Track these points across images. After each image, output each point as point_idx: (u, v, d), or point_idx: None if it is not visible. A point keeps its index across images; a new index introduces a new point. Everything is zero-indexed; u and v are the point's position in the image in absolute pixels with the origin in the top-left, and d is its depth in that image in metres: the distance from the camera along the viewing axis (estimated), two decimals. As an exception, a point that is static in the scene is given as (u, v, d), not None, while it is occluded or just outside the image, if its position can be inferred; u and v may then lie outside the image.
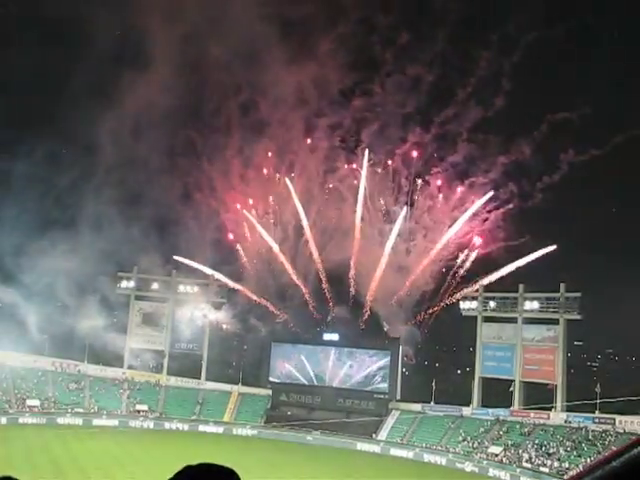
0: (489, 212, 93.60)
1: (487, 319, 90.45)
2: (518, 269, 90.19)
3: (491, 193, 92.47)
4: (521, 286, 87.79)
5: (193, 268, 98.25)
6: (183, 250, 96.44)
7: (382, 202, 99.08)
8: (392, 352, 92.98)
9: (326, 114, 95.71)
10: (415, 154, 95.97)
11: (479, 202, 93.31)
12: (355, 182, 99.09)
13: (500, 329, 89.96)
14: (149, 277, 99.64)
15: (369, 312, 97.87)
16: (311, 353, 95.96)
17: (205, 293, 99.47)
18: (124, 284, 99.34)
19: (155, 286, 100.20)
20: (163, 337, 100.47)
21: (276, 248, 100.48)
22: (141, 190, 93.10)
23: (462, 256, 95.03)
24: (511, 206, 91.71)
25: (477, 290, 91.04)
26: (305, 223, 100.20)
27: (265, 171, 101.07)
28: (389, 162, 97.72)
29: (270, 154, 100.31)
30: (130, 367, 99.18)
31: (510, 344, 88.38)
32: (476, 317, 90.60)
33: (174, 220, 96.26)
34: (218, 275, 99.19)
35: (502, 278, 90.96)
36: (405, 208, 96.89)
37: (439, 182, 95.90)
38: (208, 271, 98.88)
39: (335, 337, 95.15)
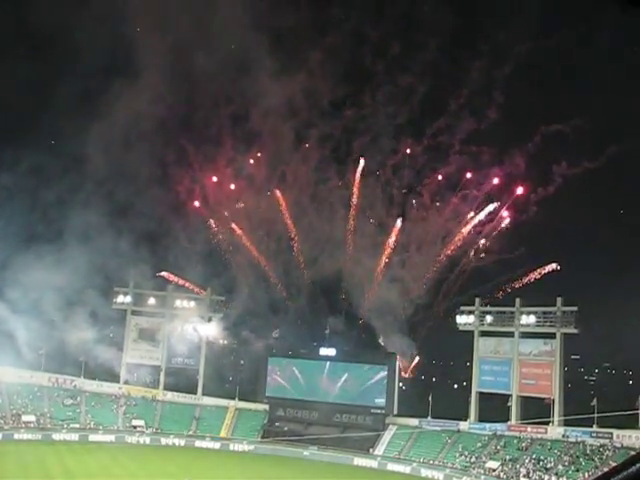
0: (483, 225, 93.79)
1: (484, 333, 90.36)
2: (514, 282, 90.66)
3: (494, 205, 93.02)
4: (517, 300, 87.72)
5: (188, 281, 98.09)
6: (176, 263, 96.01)
7: (373, 214, 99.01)
8: (389, 366, 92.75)
9: (317, 125, 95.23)
10: (408, 151, 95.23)
11: (482, 213, 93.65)
12: (347, 193, 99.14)
13: (497, 343, 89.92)
14: (145, 292, 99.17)
15: (365, 326, 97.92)
16: (308, 368, 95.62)
17: (201, 308, 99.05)
18: (120, 299, 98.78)
19: (151, 301, 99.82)
20: (159, 352, 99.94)
21: (265, 262, 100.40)
22: (132, 202, 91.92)
23: (482, 240, 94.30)
24: (506, 218, 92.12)
25: (473, 304, 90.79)
26: (295, 235, 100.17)
27: (256, 182, 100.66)
28: (379, 173, 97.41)
29: (261, 163, 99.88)
30: (126, 382, 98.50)
31: (507, 358, 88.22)
32: (473, 331, 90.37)
33: (166, 232, 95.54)
34: (212, 289, 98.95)
35: (498, 291, 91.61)
36: (398, 220, 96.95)
37: (443, 177, 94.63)
38: (197, 289, 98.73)
39: (332, 352, 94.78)
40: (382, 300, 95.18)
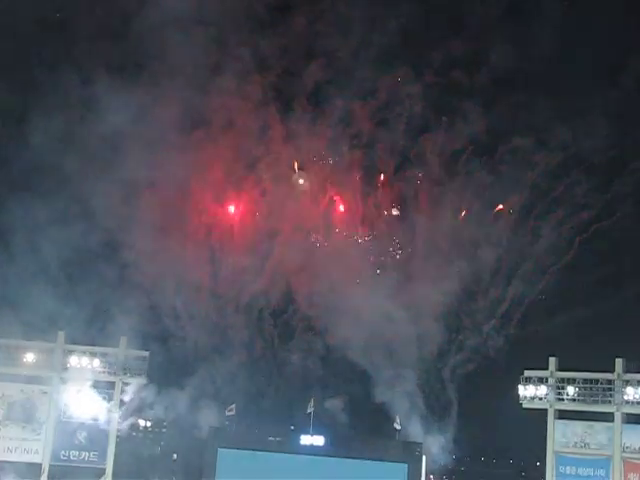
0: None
1: (564, 414, 66.47)
2: (612, 332, 64.82)
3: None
4: (619, 362, 63.48)
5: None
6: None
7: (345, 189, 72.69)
8: (410, 466, 64.96)
9: (247, 42, 66.42)
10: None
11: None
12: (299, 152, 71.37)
13: (586, 431, 66.35)
14: (19, 343, 68.48)
15: (370, 397, 68.58)
16: (280, 466, 67.40)
17: (111, 369, 69.34)
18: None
19: (30, 358, 68.92)
20: (41, 441, 69.01)
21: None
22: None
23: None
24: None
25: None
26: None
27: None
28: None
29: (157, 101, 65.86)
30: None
31: (603, 456, 65.14)
32: (545, 410, 66.30)
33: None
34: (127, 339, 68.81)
35: (585, 346, 65.69)
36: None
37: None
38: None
39: (318, 441, 66.93)
40: (385, 346, 68.14)
